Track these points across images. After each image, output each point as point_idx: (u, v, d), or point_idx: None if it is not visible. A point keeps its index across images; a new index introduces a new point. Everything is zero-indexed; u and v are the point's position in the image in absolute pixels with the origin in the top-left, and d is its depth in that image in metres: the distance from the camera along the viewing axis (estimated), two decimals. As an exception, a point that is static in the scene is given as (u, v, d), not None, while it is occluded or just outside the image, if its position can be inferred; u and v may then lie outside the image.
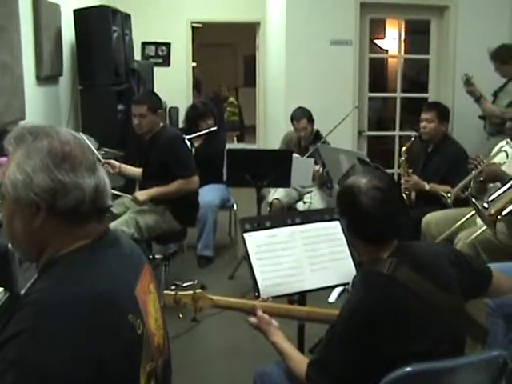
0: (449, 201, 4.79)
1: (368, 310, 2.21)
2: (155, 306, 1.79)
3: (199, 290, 2.68)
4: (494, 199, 3.61)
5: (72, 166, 1.56)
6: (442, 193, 4.83)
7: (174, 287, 2.69)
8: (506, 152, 4.75)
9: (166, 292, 2.65)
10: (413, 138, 5.59)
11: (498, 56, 6.19)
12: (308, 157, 5.95)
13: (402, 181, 5.52)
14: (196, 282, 2.75)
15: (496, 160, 4.67)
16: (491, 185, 4.66)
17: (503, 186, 4.36)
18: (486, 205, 3.44)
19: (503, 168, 4.46)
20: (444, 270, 2.37)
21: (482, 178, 4.46)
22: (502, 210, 3.41)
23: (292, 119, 6.30)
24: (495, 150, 4.76)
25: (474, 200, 3.59)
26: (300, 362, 2.41)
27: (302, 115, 6.22)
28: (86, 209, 1.58)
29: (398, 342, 2.20)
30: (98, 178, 1.62)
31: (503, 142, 4.75)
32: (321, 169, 5.88)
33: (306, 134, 6.25)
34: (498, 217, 3.46)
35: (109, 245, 1.67)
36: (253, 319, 2.61)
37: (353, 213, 2.38)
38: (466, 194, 4.65)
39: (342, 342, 2.24)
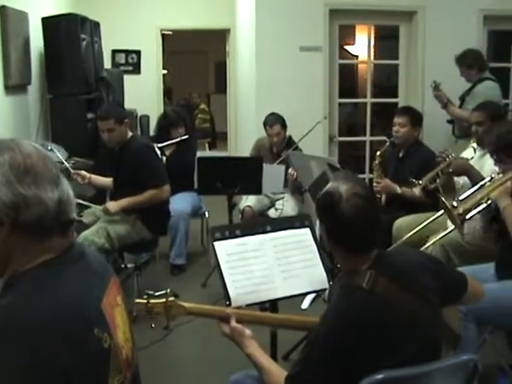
0: (417, 190, 4.81)
1: (347, 326, 2.19)
2: (123, 318, 1.77)
3: (172, 299, 2.65)
4: (463, 199, 3.63)
5: (34, 180, 1.53)
6: (413, 179, 4.85)
7: (146, 296, 2.66)
8: (473, 148, 4.83)
9: (137, 301, 2.63)
10: (388, 143, 5.62)
11: (463, 61, 6.28)
12: (280, 163, 5.96)
13: (374, 183, 5.56)
14: (168, 290, 2.72)
15: (464, 155, 4.79)
16: (457, 179, 4.76)
17: (473, 186, 4.45)
18: (455, 203, 3.45)
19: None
20: (422, 280, 2.34)
21: (450, 170, 4.54)
22: (471, 210, 3.43)
23: (265, 124, 6.30)
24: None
25: (443, 199, 3.61)
26: (277, 376, 2.34)
27: (275, 121, 6.23)
28: (50, 222, 1.56)
29: (379, 355, 2.18)
30: (61, 191, 1.60)
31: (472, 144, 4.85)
32: (295, 173, 5.87)
33: (279, 140, 6.26)
34: (467, 216, 3.48)
35: (74, 259, 1.65)
36: (226, 329, 2.57)
37: (334, 221, 2.29)
38: (434, 185, 4.71)
39: (320, 357, 2.20)
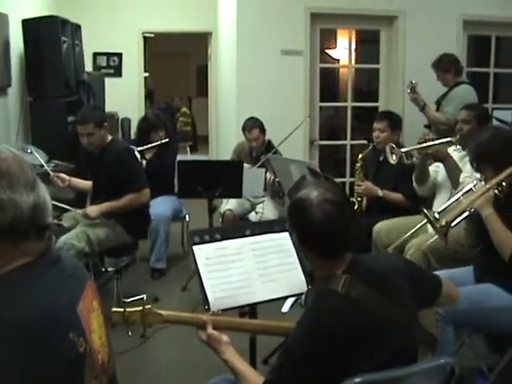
0: (393, 159, 4.84)
1: (322, 331, 2.19)
2: (99, 323, 1.76)
3: (148, 306, 2.63)
4: (444, 210, 3.65)
5: (9, 183, 1.53)
6: (393, 145, 4.88)
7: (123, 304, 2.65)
8: (455, 150, 4.87)
9: (114, 310, 2.61)
10: (370, 147, 5.64)
11: (439, 65, 6.34)
12: (259, 167, 5.97)
13: (355, 186, 5.59)
14: (145, 296, 2.71)
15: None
16: (433, 168, 4.84)
17: (448, 174, 4.52)
18: (437, 215, 3.47)
19: None
20: (397, 284, 2.35)
21: (429, 151, 4.61)
22: (453, 221, 3.44)
23: (243, 129, 6.31)
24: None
25: (425, 211, 3.62)
26: (254, 382, 2.36)
27: (253, 125, 6.24)
28: (24, 226, 1.55)
29: (354, 359, 2.18)
30: (37, 196, 1.59)
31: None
32: (272, 177, 5.89)
33: (258, 144, 6.27)
34: (451, 225, 3.50)
35: (50, 263, 1.64)
36: (203, 336, 2.56)
37: (304, 228, 2.31)
38: (410, 161, 4.77)
39: (296, 362, 2.20)
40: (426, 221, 4.02)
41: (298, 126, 6.33)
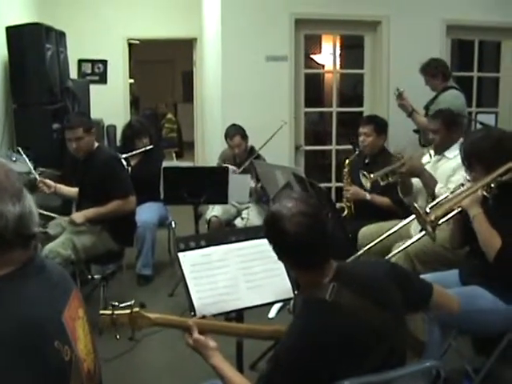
0: (368, 184, 4.87)
1: (311, 339, 2.19)
2: (85, 331, 1.77)
3: (136, 309, 2.63)
4: (434, 205, 3.65)
5: None
6: (364, 172, 4.90)
7: (111, 307, 2.65)
8: (429, 154, 4.90)
9: (102, 312, 2.61)
10: (356, 152, 5.67)
11: (427, 70, 6.37)
12: (242, 172, 5.99)
13: (344, 191, 5.62)
14: (133, 302, 2.71)
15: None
16: (414, 181, 4.83)
17: (425, 188, 4.56)
18: (428, 210, 3.49)
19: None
20: (386, 290, 2.36)
21: (403, 170, 4.61)
22: (443, 216, 3.46)
23: (226, 136, 6.34)
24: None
25: (415, 205, 3.64)
26: None
27: (235, 132, 6.27)
28: (10, 236, 1.56)
29: (343, 366, 2.19)
30: (23, 206, 1.60)
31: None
32: (254, 183, 5.91)
33: (240, 151, 6.29)
34: (439, 222, 3.52)
35: (34, 272, 1.65)
36: (189, 340, 2.56)
37: (280, 241, 2.32)
38: (385, 182, 4.78)
39: (284, 370, 2.20)
40: (411, 219, 4.06)
41: (274, 133, 6.31)
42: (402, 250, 4.27)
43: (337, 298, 2.23)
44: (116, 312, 2.61)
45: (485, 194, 3.45)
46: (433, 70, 6.35)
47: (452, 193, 3.73)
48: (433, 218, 3.42)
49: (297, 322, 2.32)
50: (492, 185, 3.45)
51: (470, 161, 3.59)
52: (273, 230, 2.34)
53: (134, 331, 2.71)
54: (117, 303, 2.67)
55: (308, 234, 2.25)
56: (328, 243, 2.32)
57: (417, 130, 6.57)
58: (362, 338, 2.23)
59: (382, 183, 4.81)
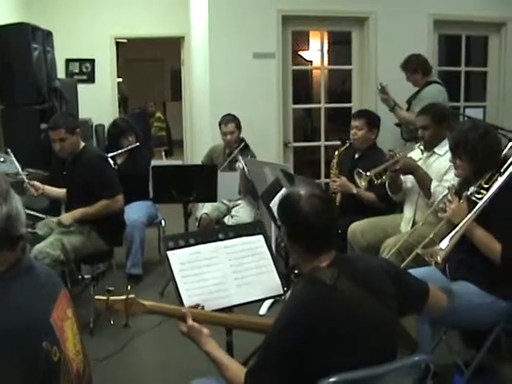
0: (363, 183, 4.87)
1: (307, 319, 2.21)
2: (73, 331, 1.77)
3: (132, 296, 2.64)
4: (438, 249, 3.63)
5: None
6: (360, 170, 4.90)
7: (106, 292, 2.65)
8: (420, 150, 4.93)
9: (97, 297, 2.61)
10: (347, 144, 5.68)
11: (407, 66, 6.43)
12: (231, 162, 6.05)
13: (331, 182, 5.63)
14: (129, 287, 2.71)
15: (412, 155, 4.89)
16: (404, 179, 4.85)
17: (419, 185, 4.59)
18: (430, 254, 3.47)
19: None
20: (383, 286, 2.39)
21: (397, 167, 4.62)
22: (448, 255, 3.45)
23: (220, 124, 6.35)
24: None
25: (418, 251, 3.66)
26: (237, 371, 2.36)
27: (230, 120, 6.30)
28: None
29: (334, 352, 2.21)
30: (10, 207, 1.60)
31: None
32: (243, 166, 5.91)
33: (233, 139, 6.29)
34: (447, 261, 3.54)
35: (22, 273, 1.64)
36: (184, 328, 2.58)
37: (293, 221, 2.40)
38: (380, 180, 4.79)
39: (280, 347, 2.23)
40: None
41: (239, 148, 6.31)
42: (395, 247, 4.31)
43: (336, 283, 2.27)
44: (111, 297, 2.61)
45: (475, 199, 3.48)
46: (412, 66, 6.42)
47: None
48: (439, 260, 3.40)
49: (294, 299, 2.36)
50: (482, 190, 3.49)
51: (457, 149, 3.62)
52: (288, 209, 2.44)
53: (128, 317, 2.72)
54: (112, 288, 2.68)
55: (321, 216, 2.34)
56: (335, 231, 2.46)
57: (398, 124, 6.60)
58: (356, 325, 2.25)
59: (376, 182, 4.80)
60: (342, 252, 4.44)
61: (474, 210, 3.40)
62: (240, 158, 6.00)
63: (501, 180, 3.43)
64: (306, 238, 2.38)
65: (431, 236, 3.79)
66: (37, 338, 1.53)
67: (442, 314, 3.25)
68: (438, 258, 3.36)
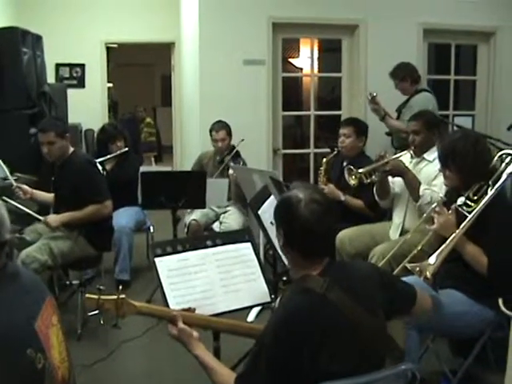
0: (352, 181, 4.89)
1: (296, 327, 2.21)
2: (59, 338, 1.76)
3: (122, 296, 2.63)
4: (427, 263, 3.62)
5: None
6: (351, 167, 4.92)
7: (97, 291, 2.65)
8: (411, 154, 4.97)
9: (88, 296, 2.61)
10: (335, 151, 5.68)
11: (396, 74, 6.45)
12: (223, 170, 6.03)
13: None
14: (121, 288, 2.71)
15: (401, 159, 4.90)
16: (392, 183, 4.88)
17: (408, 188, 4.61)
18: (418, 269, 3.46)
19: None
20: (372, 293, 2.39)
21: (387, 168, 4.64)
22: (438, 271, 3.46)
23: (211, 130, 6.34)
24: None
25: (407, 265, 3.66)
26: (226, 377, 2.35)
27: (221, 127, 6.30)
28: None
29: (323, 360, 2.20)
30: None
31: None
32: (235, 175, 5.93)
33: (224, 146, 6.29)
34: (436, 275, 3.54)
35: (6, 279, 1.64)
36: (174, 330, 2.57)
37: (290, 224, 2.35)
38: (369, 180, 4.81)
39: (268, 355, 2.22)
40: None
41: (237, 146, 6.34)
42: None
43: (326, 293, 2.26)
44: (102, 297, 2.60)
45: (463, 211, 3.49)
46: (401, 74, 6.44)
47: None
48: (428, 276, 3.39)
49: (284, 306, 2.34)
50: (468, 202, 3.50)
51: (447, 159, 3.63)
52: (287, 213, 2.37)
53: (118, 317, 2.70)
54: (103, 287, 2.67)
55: (319, 221, 2.29)
56: (332, 238, 2.42)
57: (389, 133, 6.62)
58: (343, 335, 2.25)
59: (365, 181, 4.83)
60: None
61: (463, 225, 3.40)
62: (231, 164, 6.01)
63: (490, 194, 3.43)
64: (303, 243, 2.34)
65: (419, 248, 3.77)
66: (21, 345, 1.53)
67: (430, 321, 3.28)
68: (428, 273, 3.36)
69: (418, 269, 3.39)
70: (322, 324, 2.23)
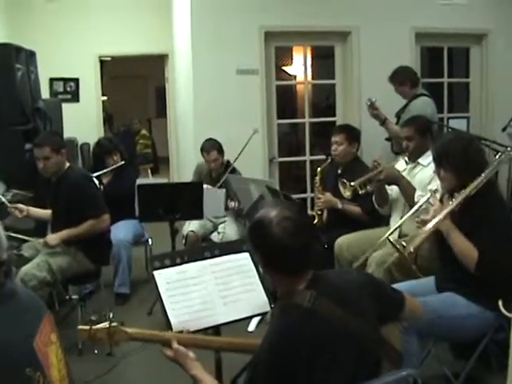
0: (347, 193, 4.88)
1: (288, 344, 2.21)
2: (58, 356, 1.76)
3: (114, 324, 2.62)
4: (411, 237, 3.64)
5: None
6: (344, 180, 4.91)
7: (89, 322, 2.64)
8: (405, 161, 4.99)
9: (80, 327, 2.60)
10: (329, 160, 5.68)
11: (395, 78, 6.43)
12: (220, 187, 5.99)
13: (316, 200, 5.63)
14: (111, 314, 2.70)
15: (396, 166, 4.95)
16: (389, 190, 4.87)
17: (403, 195, 4.62)
18: (404, 243, 3.49)
19: None
20: (361, 300, 2.39)
21: (381, 177, 4.65)
22: (421, 246, 3.47)
23: (202, 151, 6.32)
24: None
25: (391, 239, 3.66)
26: None
27: (211, 147, 6.26)
28: None
29: (320, 372, 2.20)
30: None
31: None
32: (236, 205, 5.93)
33: (217, 166, 6.29)
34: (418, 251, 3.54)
35: (4, 298, 1.63)
36: (169, 352, 2.57)
37: (265, 245, 2.35)
38: (364, 190, 4.79)
39: (263, 377, 2.22)
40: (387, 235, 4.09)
41: (247, 141, 6.29)
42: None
43: (314, 306, 2.26)
44: (94, 327, 2.59)
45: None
46: (400, 78, 6.42)
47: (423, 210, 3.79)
48: (411, 249, 3.42)
49: (274, 327, 2.33)
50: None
51: (441, 160, 3.64)
52: (259, 234, 2.37)
53: (112, 346, 2.70)
54: (94, 318, 2.67)
55: (293, 238, 2.28)
56: (310, 251, 2.36)
57: (389, 138, 6.61)
58: (337, 345, 2.25)
59: (360, 192, 4.82)
60: (330, 267, 4.48)
61: (454, 202, 3.47)
62: (228, 175, 5.99)
63: (481, 178, 3.48)
64: (281, 262, 2.34)
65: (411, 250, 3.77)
66: (19, 364, 1.52)
67: (430, 325, 3.28)
68: (411, 247, 3.38)
69: (403, 243, 3.43)
70: (313, 338, 2.23)
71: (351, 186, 4.80)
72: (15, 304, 1.67)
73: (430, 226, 3.46)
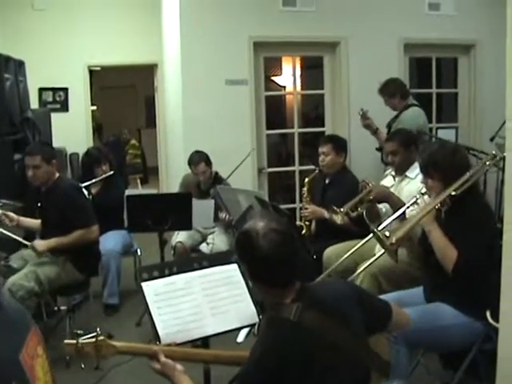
0: (339, 218, 4.87)
1: (275, 358, 2.21)
2: (44, 369, 1.75)
3: (101, 338, 2.61)
4: (394, 228, 3.68)
5: None
6: (334, 207, 4.90)
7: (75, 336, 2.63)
8: (392, 176, 4.97)
9: (66, 341, 2.58)
10: (317, 170, 5.69)
11: (385, 90, 6.44)
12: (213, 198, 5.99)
13: (302, 210, 5.63)
14: (99, 330, 2.69)
15: (384, 183, 4.97)
16: (381, 206, 4.86)
17: (394, 211, 4.55)
18: (387, 233, 3.52)
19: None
20: (348, 311, 2.40)
21: (371, 197, 4.63)
22: (404, 238, 3.50)
23: (190, 163, 6.31)
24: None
25: (375, 230, 3.67)
26: None
27: (199, 159, 6.25)
28: None
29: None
30: None
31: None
32: (227, 217, 5.92)
33: (205, 178, 6.28)
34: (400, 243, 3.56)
35: None
36: (156, 365, 2.57)
37: (252, 257, 2.35)
38: (356, 213, 4.78)
39: None
40: (371, 236, 4.09)
41: (243, 160, 6.33)
42: (366, 267, 4.31)
43: (300, 319, 2.26)
44: (81, 341, 2.58)
45: (438, 206, 3.53)
46: (390, 90, 6.43)
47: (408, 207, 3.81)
48: (393, 240, 3.45)
49: (261, 342, 2.33)
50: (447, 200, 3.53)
51: (428, 169, 3.66)
52: (245, 247, 2.37)
53: (99, 360, 2.68)
54: (81, 331, 2.66)
55: (280, 250, 2.29)
56: (297, 263, 2.36)
57: (379, 148, 6.63)
58: (326, 357, 2.25)
59: (352, 215, 4.79)
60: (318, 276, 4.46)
61: (440, 198, 3.51)
62: (218, 186, 5.98)
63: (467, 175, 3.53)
64: (267, 274, 2.35)
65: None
66: (5, 378, 1.51)
67: (420, 336, 3.29)
68: (393, 238, 3.39)
69: (386, 233, 3.47)
70: (300, 351, 2.23)
71: (341, 211, 4.79)
72: (1, 317, 1.66)
73: (413, 220, 3.50)
